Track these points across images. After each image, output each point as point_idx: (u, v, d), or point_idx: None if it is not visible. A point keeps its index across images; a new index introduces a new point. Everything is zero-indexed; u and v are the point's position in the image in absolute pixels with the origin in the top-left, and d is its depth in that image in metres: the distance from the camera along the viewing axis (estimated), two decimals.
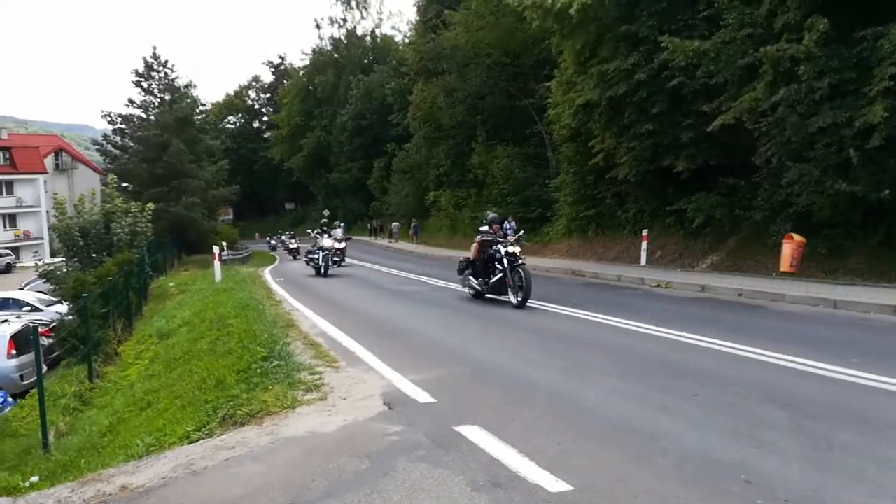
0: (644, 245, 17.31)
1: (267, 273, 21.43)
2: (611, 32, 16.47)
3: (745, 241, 15.20)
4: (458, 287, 14.42)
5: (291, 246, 35.54)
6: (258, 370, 6.54)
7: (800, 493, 3.42)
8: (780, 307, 10.36)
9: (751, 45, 12.68)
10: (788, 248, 12.55)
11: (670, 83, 14.72)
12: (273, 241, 49.51)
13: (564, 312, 10.17)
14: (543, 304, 11.06)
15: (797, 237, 12.50)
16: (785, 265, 12.62)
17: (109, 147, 41.82)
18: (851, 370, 5.85)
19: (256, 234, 60.15)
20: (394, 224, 43.35)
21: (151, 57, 41.42)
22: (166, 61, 42.11)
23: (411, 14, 79.46)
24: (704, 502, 3.33)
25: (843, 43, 11.24)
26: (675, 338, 7.78)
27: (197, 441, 5.04)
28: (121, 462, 5.22)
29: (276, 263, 30.75)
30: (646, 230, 17.63)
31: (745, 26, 12.89)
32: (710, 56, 13.27)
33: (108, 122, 41.21)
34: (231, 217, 65.44)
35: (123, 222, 21.34)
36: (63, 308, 17.64)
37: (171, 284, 21.60)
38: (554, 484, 3.53)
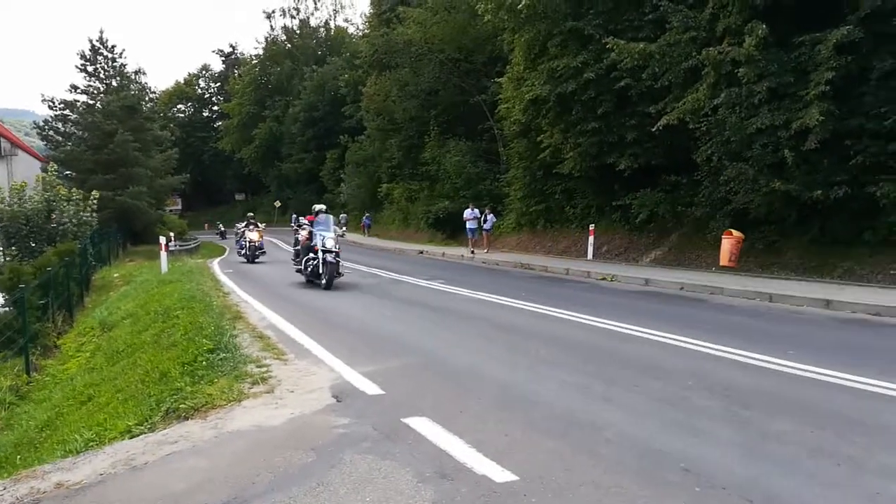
0: (591, 239, 17.68)
1: (215, 264, 21.00)
2: (559, 28, 16.72)
3: (687, 237, 15.68)
4: (411, 279, 14.46)
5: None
6: (204, 363, 6.44)
7: (737, 480, 3.55)
8: (719, 300, 10.74)
9: (694, 48, 13.05)
10: (727, 244, 13.00)
11: (618, 84, 15.06)
12: (223, 228, 48.47)
13: (514, 305, 10.31)
14: (494, 296, 11.19)
15: (736, 233, 12.97)
16: (724, 260, 13.08)
17: (51, 133, 40.13)
18: (787, 361, 6.11)
19: (205, 225, 58.78)
20: (342, 215, 43.10)
21: (98, 41, 39.91)
22: (113, 46, 40.68)
23: (365, 6, 78.73)
24: (644, 491, 3.43)
25: (782, 47, 11.68)
26: (619, 329, 7.99)
27: (139, 436, 4.93)
28: (58, 458, 5.07)
29: (226, 254, 30.15)
30: (592, 225, 18.02)
31: (689, 29, 13.26)
32: (655, 58, 13.61)
33: (50, 108, 39.53)
34: (179, 207, 63.77)
35: (67, 212, 20.60)
36: None
37: (115, 275, 20.98)
38: (500, 474, 3.59)
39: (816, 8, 11.46)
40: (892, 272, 11.09)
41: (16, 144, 55.34)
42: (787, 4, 11.63)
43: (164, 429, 4.90)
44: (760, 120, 11.72)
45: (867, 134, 11.09)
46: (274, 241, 36.28)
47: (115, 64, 40.85)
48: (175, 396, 5.56)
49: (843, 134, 11.25)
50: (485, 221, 21.81)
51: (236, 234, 23.84)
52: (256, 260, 21.13)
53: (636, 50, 13.66)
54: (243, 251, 21.58)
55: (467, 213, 21.92)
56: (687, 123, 13.29)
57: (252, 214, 24.65)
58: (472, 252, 21.18)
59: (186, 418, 5.02)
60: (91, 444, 5.25)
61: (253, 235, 21.23)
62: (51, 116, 40.18)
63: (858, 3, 10.84)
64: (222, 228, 48.82)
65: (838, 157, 11.42)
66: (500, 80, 23.35)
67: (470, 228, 21.87)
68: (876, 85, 10.97)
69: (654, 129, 13.98)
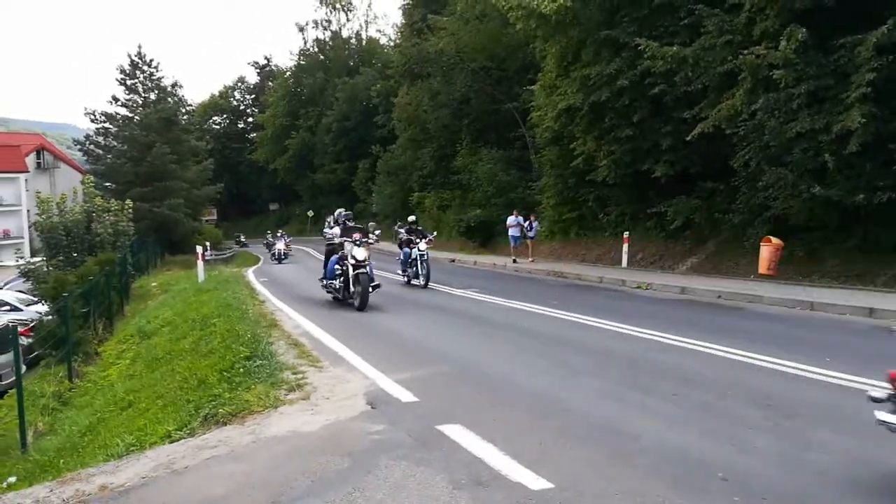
0: (625, 247, 17.46)
1: (250, 273, 21.32)
2: (592, 36, 16.63)
3: (724, 244, 15.39)
4: (444, 288, 14.45)
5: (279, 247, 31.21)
6: (241, 370, 6.53)
7: (777, 490, 3.48)
8: (757, 309, 10.52)
9: (730, 52, 12.86)
10: (766, 251, 12.73)
11: (652, 90, 14.90)
12: (243, 239, 50.46)
13: (548, 314, 10.25)
14: (528, 305, 11.13)
15: (775, 240, 12.69)
16: (763, 268, 12.80)
17: (92, 147, 41.28)
18: (828, 370, 5.97)
19: (236, 235, 59.81)
20: (370, 224, 43.48)
21: (136, 55, 40.95)
22: (151, 60, 41.66)
23: (396, 17, 79.53)
24: (681, 499, 3.38)
25: (820, 50, 11.44)
26: (655, 338, 7.88)
27: (178, 440, 5.03)
28: (100, 462, 5.19)
29: (260, 264, 30.58)
30: (627, 232, 17.79)
31: (725, 33, 13.07)
32: (689, 62, 13.44)
33: (92, 121, 40.56)
34: (215, 217, 64.94)
35: (105, 222, 21.16)
36: (43, 307, 17.44)
37: (153, 284, 21.44)
38: (535, 482, 3.57)
39: (857, 10, 11.21)
40: None
41: (58, 157, 57.15)
42: (826, 6, 11.39)
43: (203, 434, 4.98)
44: (800, 124, 11.47)
45: None
46: (305, 249, 36.80)
47: (153, 78, 41.84)
48: (213, 402, 5.66)
49: (886, 137, 10.94)
50: (529, 229, 20.67)
51: (266, 243, 34.73)
52: (284, 261, 28.59)
53: (670, 53, 13.52)
54: (274, 257, 29.88)
55: (510, 220, 20.95)
56: (723, 130, 13.09)
57: (282, 231, 33.57)
58: (515, 261, 20.40)
59: (225, 424, 5.10)
60: (132, 448, 5.36)
61: (280, 245, 29.97)
62: (92, 130, 41.30)
63: None
64: (243, 239, 50.38)
65: (881, 161, 11.11)
66: (532, 87, 23.29)
67: (513, 236, 20.82)
68: None
69: (688, 139, 13.80)
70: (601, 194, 19.73)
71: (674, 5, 15.05)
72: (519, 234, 20.82)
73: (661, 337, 7.91)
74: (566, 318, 9.77)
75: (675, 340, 7.66)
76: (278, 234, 32.06)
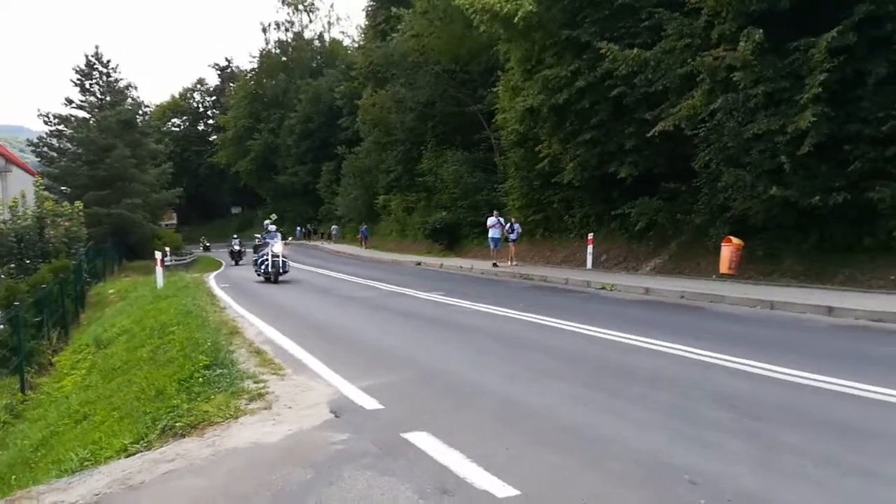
0: (590, 249, 17.60)
1: (211, 279, 20.92)
2: (555, 38, 16.75)
3: (687, 245, 15.63)
4: (410, 291, 14.41)
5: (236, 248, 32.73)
6: (200, 379, 6.34)
7: (744, 492, 3.48)
8: (720, 308, 10.68)
9: (689, 55, 13.06)
10: (727, 251, 12.95)
11: (613, 92, 15.07)
12: (207, 244, 49.50)
13: (514, 316, 10.24)
14: (493, 307, 11.11)
15: (735, 240, 12.91)
16: (724, 267, 13.01)
17: (46, 149, 40.13)
18: (792, 370, 6.03)
19: (202, 238, 58.87)
20: (333, 227, 43.27)
21: (93, 56, 40.06)
22: (108, 61, 40.84)
23: (360, 19, 79.24)
24: None
25: (777, 53, 11.68)
26: (621, 340, 7.92)
27: (135, 454, 4.84)
28: (53, 478, 4.97)
29: (222, 269, 30.06)
30: (591, 234, 17.94)
31: (684, 36, 13.27)
32: (650, 65, 13.62)
33: (45, 123, 39.57)
34: (175, 222, 63.78)
35: (59, 227, 20.53)
36: None
37: (110, 291, 20.87)
38: (502, 489, 3.52)
39: (811, 14, 11.47)
40: (892, 278, 11.04)
41: (10, 160, 55.28)
42: (781, 10, 11.64)
43: (161, 447, 4.81)
44: (757, 125, 11.70)
45: (865, 139, 11.06)
46: None
47: (109, 79, 40.93)
48: (171, 414, 5.46)
49: (842, 139, 11.23)
50: (511, 231, 19.78)
51: (255, 248, 19.78)
52: (280, 279, 17.88)
53: (631, 56, 13.68)
54: (263, 267, 18.00)
55: (491, 221, 20.04)
56: (683, 130, 13.29)
57: (269, 221, 19.46)
58: (495, 264, 19.36)
59: (183, 436, 4.93)
60: (86, 463, 5.15)
61: (277, 247, 17.91)
62: (45, 132, 40.20)
63: (852, 8, 10.86)
64: (207, 244, 49.56)
65: (837, 162, 11.40)
66: (496, 89, 23.38)
67: (493, 238, 19.87)
68: (873, 90, 10.95)
69: (649, 136, 13.98)
70: (566, 196, 19.88)
71: (634, 7, 15.27)
72: (499, 236, 19.88)
73: (627, 338, 7.94)
74: (533, 320, 9.76)
75: (641, 341, 7.70)
76: (270, 232, 18.30)
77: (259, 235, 19.11)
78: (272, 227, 18.61)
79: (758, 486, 3.56)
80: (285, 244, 20.04)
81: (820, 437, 4.35)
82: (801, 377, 5.82)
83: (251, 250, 24.76)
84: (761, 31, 11.30)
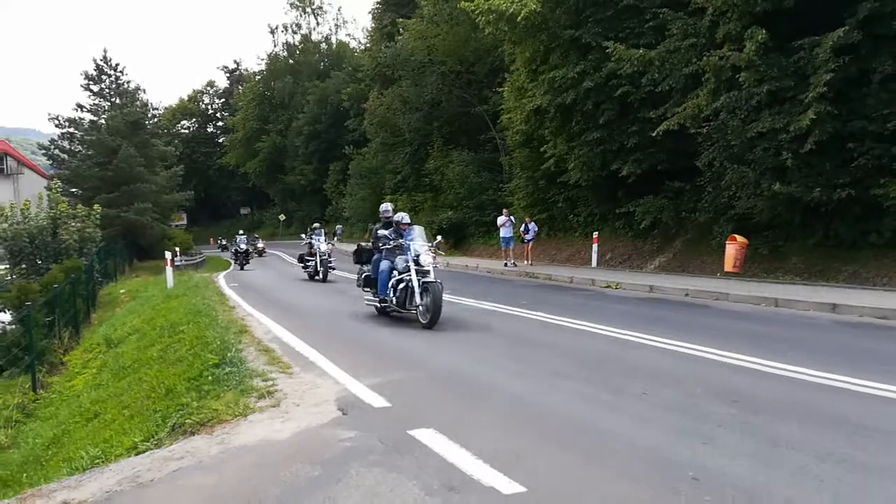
0: (595, 247, 17.64)
1: (220, 278, 21.04)
2: (560, 39, 16.78)
3: (691, 243, 15.64)
4: None
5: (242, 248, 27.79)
6: (209, 377, 6.42)
7: (746, 488, 3.51)
8: (724, 306, 10.70)
9: (694, 55, 13.08)
10: (731, 249, 12.97)
11: (617, 91, 15.10)
12: (224, 242, 49.12)
13: (519, 314, 10.29)
14: (498, 305, 11.17)
15: (740, 238, 12.93)
16: (729, 265, 13.03)
17: (57, 152, 40.42)
18: (795, 366, 6.07)
19: (210, 239, 59.10)
20: (337, 227, 43.60)
21: (102, 59, 40.33)
22: (117, 64, 41.06)
23: (366, 21, 79.38)
24: (654, 501, 3.41)
25: (781, 52, 11.69)
26: (625, 337, 7.96)
27: (145, 452, 4.91)
28: (64, 476, 5.06)
29: (231, 269, 30.22)
30: (596, 233, 17.98)
31: (689, 36, 13.28)
32: (655, 64, 13.65)
33: (56, 126, 39.81)
34: (185, 222, 64.06)
35: (71, 228, 20.74)
36: (6, 317, 17.03)
37: (121, 291, 21.04)
38: (508, 486, 3.56)
39: (816, 13, 11.47)
40: None
41: (22, 163, 55.75)
42: (786, 10, 11.64)
43: (171, 445, 4.88)
44: (761, 124, 11.72)
45: (870, 136, 11.07)
46: (278, 254, 36.40)
47: (119, 82, 41.19)
48: (181, 412, 5.55)
49: (846, 136, 11.23)
50: (526, 231, 19.25)
51: (309, 243, 19.05)
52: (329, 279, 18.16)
53: (636, 56, 13.71)
54: (312, 265, 18.56)
55: (501, 220, 19.65)
56: (688, 129, 13.30)
57: (317, 225, 20.28)
58: (507, 264, 19.11)
59: (192, 434, 5.00)
60: (97, 461, 5.24)
61: (324, 246, 18.44)
62: (56, 135, 40.49)
63: (856, 6, 10.85)
64: (224, 242, 49.39)
65: (841, 159, 11.41)
66: (501, 90, 23.43)
67: (504, 237, 19.45)
68: (878, 87, 10.95)
69: (654, 134, 14.00)
70: (571, 195, 19.93)
71: (639, 8, 15.29)
72: (510, 235, 19.48)
73: (632, 336, 7.98)
74: (538, 318, 9.81)
75: (645, 339, 7.74)
76: (315, 230, 19.16)
77: (304, 235, 20.19)
78: (316, 225, 20.06)
79: (760, 481, 3.60)
80: (330, 244, 20.57)
81: (823, 433, 4.38)
82: (805, 374, 5.85)
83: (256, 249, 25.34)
84: (765, 31, 11.30)
